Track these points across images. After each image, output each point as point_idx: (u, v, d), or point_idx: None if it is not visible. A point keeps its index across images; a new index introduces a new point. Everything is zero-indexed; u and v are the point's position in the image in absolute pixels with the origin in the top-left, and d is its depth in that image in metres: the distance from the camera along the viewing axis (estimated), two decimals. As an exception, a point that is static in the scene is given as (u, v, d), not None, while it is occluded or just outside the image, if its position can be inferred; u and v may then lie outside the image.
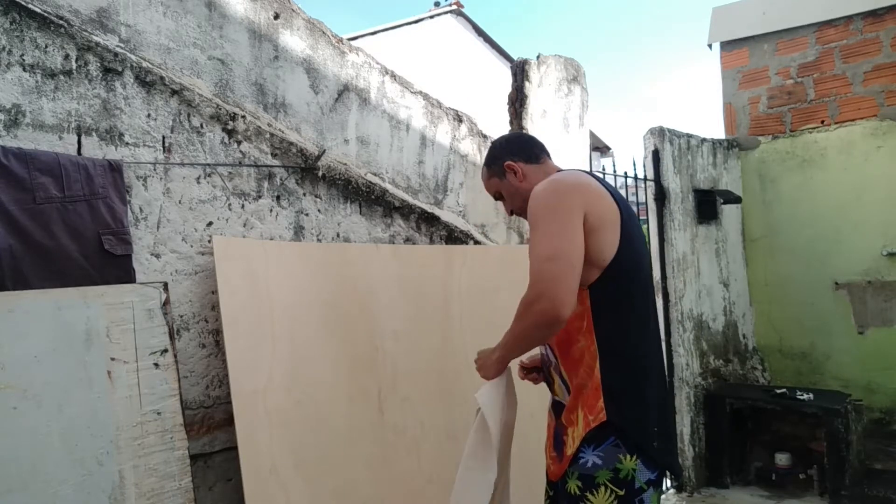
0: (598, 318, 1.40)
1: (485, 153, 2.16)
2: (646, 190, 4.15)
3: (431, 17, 11.04)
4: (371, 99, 2.54)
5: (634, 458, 1.35)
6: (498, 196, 1.71)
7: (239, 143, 2.07)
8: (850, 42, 4.39)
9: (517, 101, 3.26)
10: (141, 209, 1.83)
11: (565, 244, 1.32)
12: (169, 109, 1.90)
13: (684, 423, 3.92)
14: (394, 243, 2.56)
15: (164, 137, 1.89)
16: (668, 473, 2.14)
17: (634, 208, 4.54)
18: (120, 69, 1.79)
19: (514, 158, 1.64)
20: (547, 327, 1.33)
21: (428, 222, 2.72)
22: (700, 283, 4.24)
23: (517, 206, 1.65)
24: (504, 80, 3.81)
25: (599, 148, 12.13)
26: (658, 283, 4.07)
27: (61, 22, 1.68)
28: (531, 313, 1.32)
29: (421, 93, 2.77)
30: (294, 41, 2.27)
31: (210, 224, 1.99)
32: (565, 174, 1.51)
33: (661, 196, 4.07)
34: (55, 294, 1.53)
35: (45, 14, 1.65)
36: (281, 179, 2.20)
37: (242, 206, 2.08)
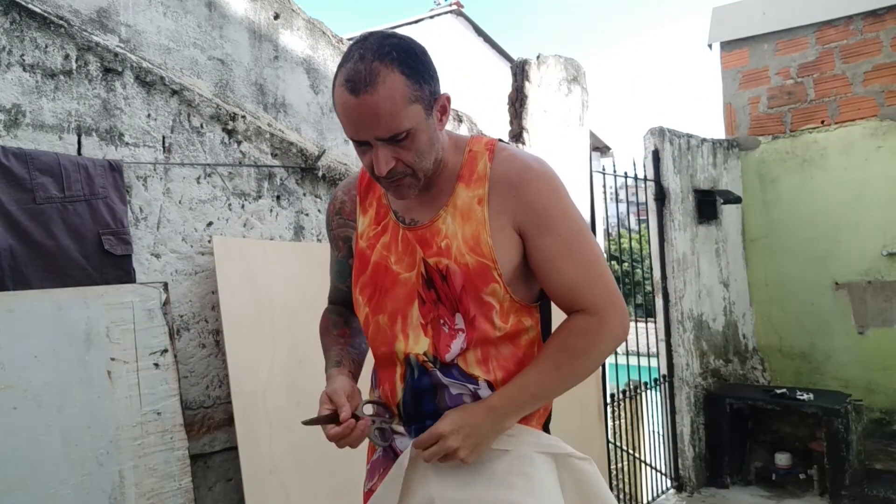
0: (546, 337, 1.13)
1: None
2: (646, 190, 4.15)
3: (431, 16, 11.04)
4: (371, 99, 2.54)
5: None
6: (402, 136, 0.95)
7: (239, 143, 2.07)
8: (850, 42, 4.39)
9: (517, 101, 3.26)
10: (141, 209, 1.83)
11: None
12: (169, 109, 1.90)
13: (684, 423, 3.92)
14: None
15: (164, 137, 1.89)
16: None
17: (634, 208, 4.55)
18: (120, 69, 1.79)
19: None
20: (607, 356, 1.09)
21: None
22: (700, 284, 4.24)
23: (425, 164, 1.00)
24: (504, 80, 3.81)
25: (599, 148, 12.12)
26: (658, 283, 4.07)
27: (61, 22, 1.68)
28: (608, 339, 1.04)
29: (421, 93, 2.77)
30: (294, 41, 2.27)
31: (210, 224, 1.99)
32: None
33: (661, 196, 4.07)
34: (55, 294, 1.53)
35: (45, 14, 1.65)
36: (281, 179, 2.20)
37: (242, 206, 2.08)
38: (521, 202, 1.02)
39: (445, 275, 1.04)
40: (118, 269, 1.71)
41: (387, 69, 0.92)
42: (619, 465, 3.89)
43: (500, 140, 1.12)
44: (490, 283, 1.02)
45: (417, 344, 1.06)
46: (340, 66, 0.96)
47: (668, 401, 3.95)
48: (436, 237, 1.05)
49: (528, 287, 1.08)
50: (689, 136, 4.35)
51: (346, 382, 1.06)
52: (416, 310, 1.07)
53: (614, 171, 3.89)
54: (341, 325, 1.25)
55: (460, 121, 2.95)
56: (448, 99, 1.03)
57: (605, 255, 1.09)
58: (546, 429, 1.14)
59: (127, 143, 1.81)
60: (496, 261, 1.01)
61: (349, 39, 2.58)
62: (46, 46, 1.66)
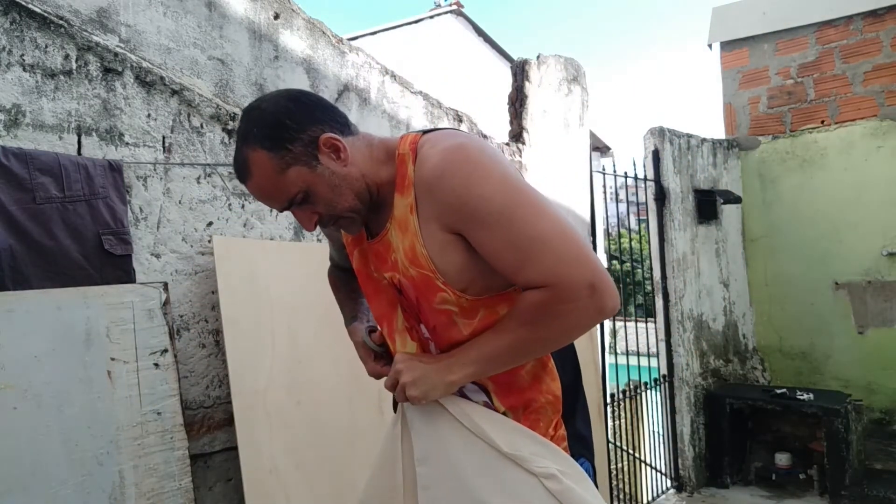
0: None
1: None
2: (646, 190, 4.15)
3: (431, 17, 11.04)
4: (371, 99, 2.54)
5: None
6: (299, 199, 1.00)
7: (239, 143, 2.07)
8: (850, 42, 4.39)
9: (517, 101, 3.26)
10: (141, 209, 1.83)
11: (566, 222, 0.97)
12: (169, 109, 1.90)
13: (684, 423, 3.92)
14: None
15: (164, 137, 1.89)
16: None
17: (634, 208, 4.55)
18: (120, 69, 1.79)
19: (329, 128, 1.00)
20: (584, 330, 0.99)
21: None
22: (700, 283, 4.24)
23: (343, 206, 1.01)
24: (504, 80, 3.81)
25: (599, 148, 12.12)
26: (658, 283, 4.07)
27: (61, 22, 1.68)
28: (568, 311, 0.92)
29: (421, 93, 2.77)
30: (294, 41, 2.27)
31: (210, 224, 1.99)
32: (470, 136, 1.03)
33: (661, 196, 4.07)
34: (55, 294, 1.53)
35: (45, 14, 1.65)
36: (281, 179, 2.20)
37: (242, 206, 2.08)
38: (439, 204, 0.96)
39: (401, 289, 1.05)
40: (118, 269, 1.70)
41: (253, 152, 0.97)
42: (619, 465, 3.90)
43: (425, 132, 1.04)
44: (437, 292, 1.00)
45: (405, 347, 1.10)
46: None
47: (668, 401, 3.95)
48: (388, 251, 1.06)
49: (491, 279, 1.00)
50: (689, 136, 4.35)
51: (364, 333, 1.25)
52: (400, 315, 1.10)
53: (614, 171, 3.89)
54: (349, 282, 1.35)
55: (460, 121, 2.95)
56: (330, 137, 0.98)
57: (558, 220, 0.95)
58: (569, 425, 1.09)
59: (127, 143, 1.81)
60: (435, 270, 0.98)
61: (349, 39, 2.58)
62: (46, 46, 1.66)
